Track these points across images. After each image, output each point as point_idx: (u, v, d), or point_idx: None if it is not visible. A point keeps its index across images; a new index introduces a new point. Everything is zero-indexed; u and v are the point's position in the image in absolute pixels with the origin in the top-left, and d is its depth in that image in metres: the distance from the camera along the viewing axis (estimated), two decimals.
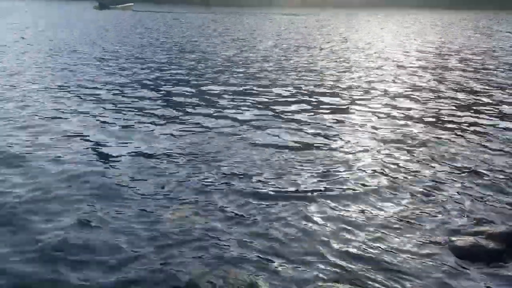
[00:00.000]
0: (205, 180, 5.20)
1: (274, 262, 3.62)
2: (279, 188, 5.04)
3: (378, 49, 18.38)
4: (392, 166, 5.74)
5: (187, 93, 9.89)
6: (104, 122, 7.53)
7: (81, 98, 9.18)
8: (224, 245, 3.84)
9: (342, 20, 39.66)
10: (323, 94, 10.02)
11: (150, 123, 7.55)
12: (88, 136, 6.75)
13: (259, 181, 5.21)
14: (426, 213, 4.53)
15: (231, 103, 9.07)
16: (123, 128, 7.25)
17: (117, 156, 5.95)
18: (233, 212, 4.46)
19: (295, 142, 6.66)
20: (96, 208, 4.47)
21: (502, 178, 5.37)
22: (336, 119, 7.95)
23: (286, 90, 10.36)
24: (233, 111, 8.41)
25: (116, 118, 7.75)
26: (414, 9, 57.18)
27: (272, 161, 5.85)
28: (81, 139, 6.61)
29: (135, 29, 27.37)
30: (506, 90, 10.59)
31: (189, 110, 8.47)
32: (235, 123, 7.60)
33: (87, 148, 6.22)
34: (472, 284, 3.44)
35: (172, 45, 19.33)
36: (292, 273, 3.49)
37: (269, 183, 5.14)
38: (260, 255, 3.71)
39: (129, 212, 4.41)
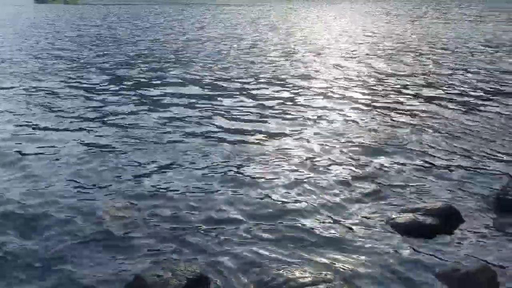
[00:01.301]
0: (142, 176, 5.16)
1: (217, 253, 3.67)
2: (213, 178, 5.10)
3: (315, 41, 18.47)
4: (335, 150, 5.93)
5: (119, 91, 9.70)
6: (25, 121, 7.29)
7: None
8: (167, 239, 3.85)
9: (284, 12, 39.82)
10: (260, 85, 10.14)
11: (79, 120, 7.42)
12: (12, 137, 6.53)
13: (195, 173, 5.25)
14: (368, 193, 4.72)
15: (169, 97, 9.04)
16: (52, 126, 7.07)
17: (50, 154, 5.82)
18: (172, 206, 4.45)
19: (231, 133, 6.72)
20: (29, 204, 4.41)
21: (438, 157, 5.66)
22: (271, 111, 8.09)
23: (215, 83, 10.40)
24: (169, 104, 8.43)
25: (44, 119, 7.45)
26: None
27: (206, 152, 5.91)
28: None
29: (69, 24, 26.39)
30: (439, 75, 11.11)
31: (123, 108, 8.24)
32: (170, 116, 7.61)
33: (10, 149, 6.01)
34: (411, 258, 3.62)
35: (104, 39, 18.83)
36: (234, 263, 3.56)
37: (203, 174, 5.20)
38: (203, 247, 3.75)
39: (65, 210, 4.33)
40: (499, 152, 5.80)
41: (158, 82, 10.38)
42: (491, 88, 9.48)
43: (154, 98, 8.97)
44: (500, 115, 7.47)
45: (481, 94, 8.97)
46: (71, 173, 5.23)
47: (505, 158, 5.62)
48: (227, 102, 8.56)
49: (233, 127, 7.00)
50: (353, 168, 5.34)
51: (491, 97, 8.68)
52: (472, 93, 9.01)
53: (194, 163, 5.54)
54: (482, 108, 7.90)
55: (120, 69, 12.12)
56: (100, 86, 10.01)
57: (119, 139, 6.41)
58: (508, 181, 4.71)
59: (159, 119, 7.40)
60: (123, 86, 9.96)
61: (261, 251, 3.70)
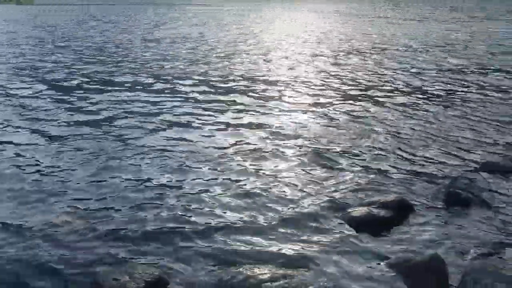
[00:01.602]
0: (94, 181, 5.05)
1: (176, 255, 3.67)
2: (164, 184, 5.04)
3: (268, 40, 18.65)
4: (286, 150, 6.01)
5: (57, 98, 9.44)
6: None
7: None
8: (123, 243, 3.80)
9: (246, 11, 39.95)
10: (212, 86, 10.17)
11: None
12: None
13: (148, 176, 5.19)
14: (324, 190, 4.82)
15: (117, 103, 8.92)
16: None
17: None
18: (127, 211, 4.39)
19: (182, 139, 6.67)
20: None
21: (389, 153, 5.85)
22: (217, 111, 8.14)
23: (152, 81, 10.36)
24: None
25: None
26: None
27: (155, 155, 5.84)
28: None
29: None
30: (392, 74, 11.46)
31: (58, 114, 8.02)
32: (111, 117, 7.54)
33: None
34: (365, 250, 3.73)
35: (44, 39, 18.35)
36: (192, 264, 3.57)
37: (156, 178, 5.14)
38: (160, 249, 3.74)
39: (15, 218, 4.21)
40: (447, 147, 6.04)
41: (101, 85, 10.18)
42: (436, 87, 9.80)
43: (96, 102, 8.74)
44: (446, 111, 7.75)
45: (426, 92, 9.27)
46: (16, 180, 5.06)
47: (453, 153, 5.85)
48: (172, 104, 8.48)
49: (182, 129, 6.97)
50: (307, 167, 5.42)
51: (436, 95, 9.01)
52: (417, 93, 9.26)
53: (143, 167, 5.45)
54: (428, 106, 8.16)
55: (70, 68, 11.85)
56: (35, 92, 9.57)
57: (64, 146, 6.27)
58: (457, 174, 4.92)
59: (101, 122, 7.26)
60: (63, 93, 9.60)
61: (219, 251, 3.72)
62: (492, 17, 27.70)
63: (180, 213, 4.33)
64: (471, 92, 9.18)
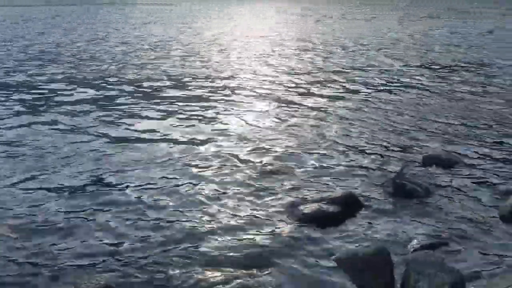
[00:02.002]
0: (24, 189, 4.83)
1: (123, 264, 3.59)
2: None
3: (221, 40, 18.52)
4: (241, 148, 6.03)
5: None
6: None
7: None
8: (66, 253, 3.66)
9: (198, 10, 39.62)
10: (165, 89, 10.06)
11: None
12: None
13: (90, 184, 5.03)
14: (276, 186, 4.86)
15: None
16: None
17: None
18: (65, 219, 4.24)
19: (134, 139, 6.61)
20: None
21: (338, 149, 5.97)
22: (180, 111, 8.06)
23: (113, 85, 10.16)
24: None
25: None
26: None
27: (96, 161, 5.66)
28: None
29: None
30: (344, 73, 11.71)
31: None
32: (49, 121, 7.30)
33: None
34: (315, 245, 3.79)
35: None
36: (140, 271, 3.50)
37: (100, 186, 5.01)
38: (108, 258, 3.64)
39: None
40: (392, 142, 6.23)
41: (40, 85, 9.83)
42: (376, 84, 9.97)
43: (36, 103, 8.43)
44: (389, 107, 7.96)
45: (369, 90, 9.47)
46: None
47: (397, 146, 6.05)
48: (119, 106, 8.31)
49: (130, 132, 6.83)
50: (259, 165, 5.44)
51: (377, 92, 9.22)
52: (360, 90, 9.43)
53: (82, 175, 5.26)
54: (370, 102, 8.35)
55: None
56: None
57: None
58: (402, 167, 5.08)
59: (37, 126, 6.97)
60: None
61: (169, 256, 3.66)
62: (433, 15, 28.88)
63: (126, 220, 4.23)
64: (411, 88, 9.49)
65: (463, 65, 12.06)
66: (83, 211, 4.38)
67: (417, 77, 10.56)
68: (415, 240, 3.80)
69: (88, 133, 6.68)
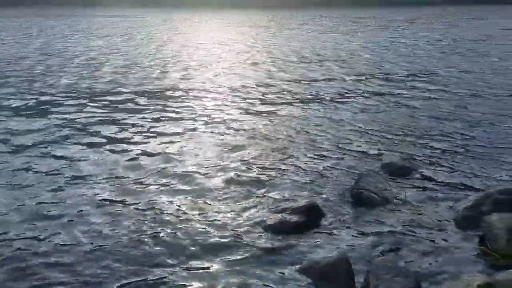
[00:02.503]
0: None
1: (87, 267, 3.58)
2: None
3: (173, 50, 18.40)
4: (196, 160, 6.09)
5: None
6: None
7: None
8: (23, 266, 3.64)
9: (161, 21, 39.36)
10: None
11: None
12: None
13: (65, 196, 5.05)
14: (241, 198, 4.94)
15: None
16: None
17: None
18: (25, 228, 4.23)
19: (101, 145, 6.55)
20: None
21: (300, 160, 6.09)
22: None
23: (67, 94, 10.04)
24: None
25: None
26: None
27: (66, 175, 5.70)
28: None
29: None
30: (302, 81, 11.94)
31: None
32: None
33: None
34: (280, 257, 3.88)
35: None
36: (111, 279, 3.49)
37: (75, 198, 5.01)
38: (76, 264, 3.63)
39: None
40: (351, 150, 6.43)
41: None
42: (330, 94, 10.03)
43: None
44: (345, 117, 8.13)
45: (323, 100, 9.60)
46: None
47: (356, 155, 6.25)
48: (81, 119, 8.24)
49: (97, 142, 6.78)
50: (221, 177, 5.50)
51: (331, 103, 9.36)
52: (321, 100, 9.58)
53: (55, 187, 5.27)
54: (327, 113, 8.50)
55: None
56: None
57: None
58: (361, 176, 5.26)
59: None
60: None
61: (134, 271, 3.67)
62: (385, 25, 29.86)
63: (89, 234, 4.20)
64: (366, 98, 9.71)
65: (418, 74, 12.51)
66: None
67: (372, 87, 10.87)
68: (374, 247, 3.96)
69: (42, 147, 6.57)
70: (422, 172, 5.62)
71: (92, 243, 4.06)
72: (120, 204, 4.82)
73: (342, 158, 6.13)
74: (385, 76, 12.24)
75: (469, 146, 6.55)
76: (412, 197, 4.96)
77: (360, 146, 6.61)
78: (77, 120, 8.10)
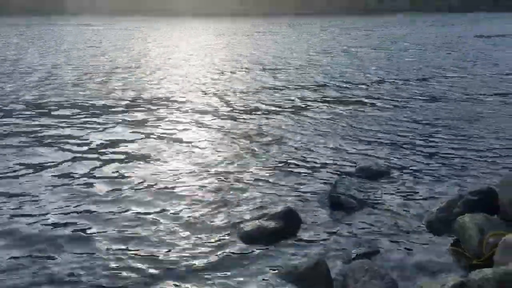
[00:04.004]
0: None
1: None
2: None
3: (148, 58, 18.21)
4: (181, 162, 6.06)
5: None
6: None
7: None
8: None
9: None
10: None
11: None
12: None
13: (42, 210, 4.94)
14: (217, 206, 4.92)
15: None
16: None
17: None
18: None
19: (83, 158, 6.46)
20: None
21: (276, 164, 6.14)
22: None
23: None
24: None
25: None
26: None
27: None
28: None
29: None
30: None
31: None
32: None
33: None
34: (259, 263, 3.88)
35: None
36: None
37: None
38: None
39: None
40: (327, 155, 6.49)
41: None
42: (296, 101, 10.08)
43: None
44: (318, 124, 8.21)
45: (300, 105, 9.75)
46: None
47: (332, 159, 6.32)
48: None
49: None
50: (199, 184, 5.49)
51: (308, 108, 9.47)
52: (291, 106, 9.64)
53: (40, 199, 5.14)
54: (302, 118, 8.59)
55: None
56: None
57: None
58: (337, 180, 5.32)
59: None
60: None
61: (104, 276, 3.64)
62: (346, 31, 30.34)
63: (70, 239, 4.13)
64: (336, 104, 9.79)
65: (381, 80, 12.68)
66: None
67: (341, 94, 10.93)
68: (351, 250, 4.01)
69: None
70: (396, 175, 5.72)
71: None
72: (87, 214, 4.75)
73: (318, 163, 6.19)
74: (352, 83, 12.31)
75: (440, 150, 6.70)
76: (388, 200, 5.04)
77: (336, 151, 6.68)
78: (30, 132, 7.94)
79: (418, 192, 5.25)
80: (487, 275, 3.11)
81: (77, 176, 5.77)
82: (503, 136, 7.29)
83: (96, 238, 4.27)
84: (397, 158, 6.36)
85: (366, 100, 10.10)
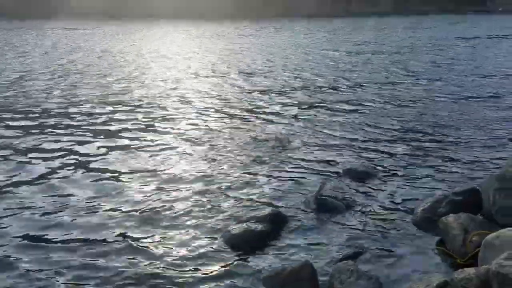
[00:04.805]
0: None
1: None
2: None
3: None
4: (169, 166, 6.06)
5: None
6: None
7: None
8: None
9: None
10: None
11: None
12: None
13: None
14: (205, 209, 4.92)
15: None
16: None
17: None
18: None
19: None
20: None
21: (263, 167, 6.14)
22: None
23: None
24: None
25: None
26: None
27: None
28: None
29: None
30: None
31: None
32: None
33: None
34: (246, 266, 3.90)
35: None
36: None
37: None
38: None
39: None
40: (313, 157, 6.53)
41: None
42: (273, 104, 10.14)
43: None
44: (306, 124, 8.29)
45: (274, 109, 9.70)
46: None
47: (318, 162, 6.35)
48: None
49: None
50: (185, 187, 5.50)
51: (289, 111, 9.44)
52: (263, 109, 9.64)
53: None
54: (287, 120, 8.61)
55: None
56: None
57: None
58: (323, 182, 5.35)
59: None
60: None
61: (92, 279, 3.63)
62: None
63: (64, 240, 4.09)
64: (316, 108, 9.82)
65: (360, 84, 12.70)
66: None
67: (322, 97, 10.95)
68: (337, 252, 4.04)
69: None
70: (382, 176, 5.77)
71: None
72: (67, 224, 4.70)
73: (305, 166, 6.21)
74: (331, 86, 12.33)
75: (424, 151, 6.76)
76: (373, 201, 5.08)
77: (321, 153, 6.71)
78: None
79: (403, 193, 5.30)
80: (470, 275, 3.15)
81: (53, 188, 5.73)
82: (486, 138, 7.40)
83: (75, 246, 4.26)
84: (383, 159, 6.41)
85: (348, 104, 10.15)
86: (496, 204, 4.11)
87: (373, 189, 5.40)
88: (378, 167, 6.08)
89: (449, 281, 3.24)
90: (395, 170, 5.99)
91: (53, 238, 4.36)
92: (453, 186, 5.32)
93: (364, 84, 12.47)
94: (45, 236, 4.41)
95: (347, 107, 9.84)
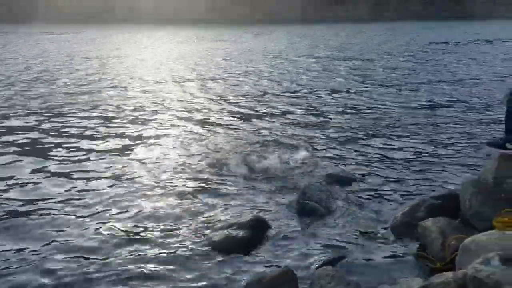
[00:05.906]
0: None
1: None
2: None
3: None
4: (146, 173, 6.04)
5: None
6: None
7: None
8: None
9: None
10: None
11: None
12: None
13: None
14: (184, 214, 4.92)
15: None
16: None
17: None
18: None
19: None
20: None
21: (246, 172, 6.12)
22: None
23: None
24: None
25: None
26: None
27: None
28: None
29: None
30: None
31: None
32: None
33: None
34: (226, 273, 3.88)
35: None
36: None
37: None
38: None
39: None
40: (295, 161, 6.52)
41: None
42: (262, 107, 10.29)
43: None
44: (288, 129, 8.33)
45: (264, 113, 9.89)
46: None
47: (300, 166, 6.36)
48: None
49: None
50: (166, 193, 5.46)
51: (271, 115, 9.55)
52: (255, 114, 9.73)
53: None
54: (267, 126, 8.65)
55: None
56: None
57: None
58: (305, 187, 5.37)
59: None
60: None
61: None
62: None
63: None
64: (294, 113, 9.95)
65: (337, 89, 12.86)
66: None
67: (299, 101, 11.00)
68: (318, 257, 4.05)
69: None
70: (362, 181, 5.82)
71: None
72: (53, 229, 4.66)
73: (287, 171, 6.21)
74: (305, 91, 12.41)
75: (404, 156, 6.85)
76: (354, 206, 5.12)
77: (302, 158, 6.72)
78: None
79: (383, 198, 5.35)
80: (447, 279, 3.19)
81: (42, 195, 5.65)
82: (463, 142, 7.51)
83: (67, 240, 4.20)
84: (364, 164, 6.47)
85: (328, 108, 10.22)
86: (472, 208, 4.18)
87: (354, 193, 5.44)
88: (360, 172, 6.13)
89: (427, 285, 3.28)
90: (376, 175, 6.05)
91: (37, 239, 4.31)
92: (432, 190, 5.39)
93: (338, 90, 12.56)
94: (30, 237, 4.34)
95: (327, 112, 9.90)
